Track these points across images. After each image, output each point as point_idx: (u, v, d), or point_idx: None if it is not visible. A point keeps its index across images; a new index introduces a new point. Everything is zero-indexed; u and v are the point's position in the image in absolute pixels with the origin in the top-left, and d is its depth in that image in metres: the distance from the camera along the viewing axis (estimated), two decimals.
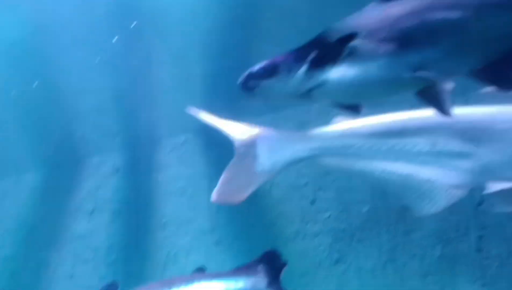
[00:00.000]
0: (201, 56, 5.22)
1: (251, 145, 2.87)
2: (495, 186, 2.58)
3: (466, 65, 2.20)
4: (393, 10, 2.23)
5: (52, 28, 5.45)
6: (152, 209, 5.54)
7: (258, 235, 4.97)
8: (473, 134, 2.64)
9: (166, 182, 5.54)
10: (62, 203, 5.85)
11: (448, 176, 2.66)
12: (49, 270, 5.89)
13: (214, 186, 2.81)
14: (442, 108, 2.29)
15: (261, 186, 2.83)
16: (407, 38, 2.19)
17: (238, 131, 2.93)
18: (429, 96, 2.31)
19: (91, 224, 5.75)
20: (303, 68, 2.32)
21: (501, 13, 2.10)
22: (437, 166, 2.69)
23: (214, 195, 2.82)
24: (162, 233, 5.49)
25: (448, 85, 2.33)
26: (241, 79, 2.45)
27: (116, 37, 5.34)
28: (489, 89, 2.36)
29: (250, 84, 2.42)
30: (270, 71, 2.38)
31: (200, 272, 3.08)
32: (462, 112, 2.58)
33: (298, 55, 2.35)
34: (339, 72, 2.30)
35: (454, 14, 2.13)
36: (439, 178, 2.67)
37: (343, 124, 2.87)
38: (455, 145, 2.67)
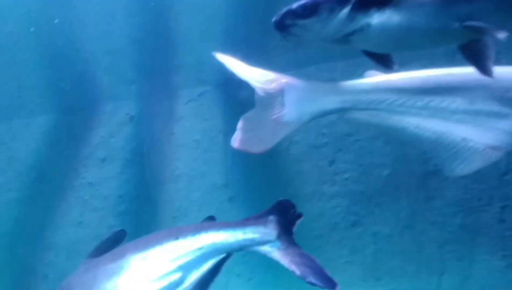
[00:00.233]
0: (225, 4, 5.09)
1: (278, 94, 2.74)
2: None
3: None
4: None
5: None
6: (165, 160, 5.45)
7: (273, 193, 4.86)
8: None
9: (181, 134, 5.43)
10: (73, 149, 5.78)
11: (485, 136, 2.55)
12: (56, 217, 5.84)
13: (230, 142, 2.69)
14: (484, 65, 2.22)
15: (278, 143, 2.70)
16: None
17: (265, 78, 2.79)
18: (474, 51, 2.24)
19: (102, 172, 5.68)
20: (346, 9, 2.22)
21: None
22: (474, 125, 2.57)
23: (234, 141, 2.69)
24: (174, 185, 5.41)
25: (494, 42, 2.22)
26: (277, 17, 2.34)
27: None
28: None
29: (287, 22, 2.30)
30: (310, 10, 2.28)
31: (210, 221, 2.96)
32: (503, 70, 2.46)
33: None
34: (383, 17, 2.22)
35: None
36: (475, 138, 2.56)
37: (376, 78, 2.74)
38: (494, 104, 2.55)
